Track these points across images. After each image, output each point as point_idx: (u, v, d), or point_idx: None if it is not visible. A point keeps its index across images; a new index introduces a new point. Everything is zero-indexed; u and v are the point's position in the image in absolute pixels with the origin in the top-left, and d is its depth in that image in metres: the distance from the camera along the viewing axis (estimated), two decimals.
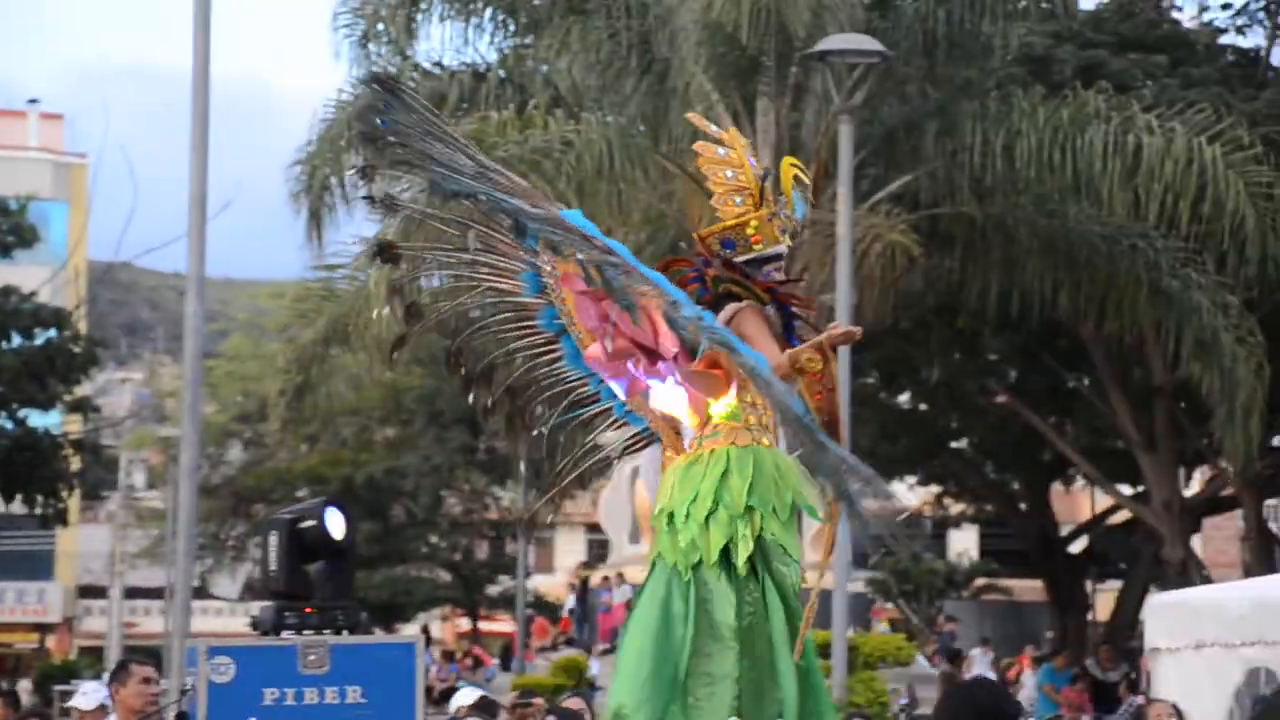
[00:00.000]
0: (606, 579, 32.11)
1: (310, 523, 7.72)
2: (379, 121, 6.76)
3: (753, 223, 7.07)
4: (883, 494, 6.13)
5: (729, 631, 6.62)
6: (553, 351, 7.36)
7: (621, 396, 7.26)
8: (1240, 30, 25.72)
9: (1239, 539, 35.53)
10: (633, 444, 7.47)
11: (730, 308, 6.95)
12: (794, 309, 7.12)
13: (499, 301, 7.35)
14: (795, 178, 7.17)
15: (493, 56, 22.06)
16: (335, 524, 7.73)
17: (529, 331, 7.34)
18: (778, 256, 7.07)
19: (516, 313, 7.34)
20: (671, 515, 6.83)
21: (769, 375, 6.27)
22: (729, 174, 7.15)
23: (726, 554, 6.76)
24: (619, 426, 7.34)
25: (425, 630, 35.00)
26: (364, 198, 7.39)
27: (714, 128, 7.24)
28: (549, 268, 7.14)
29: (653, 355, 6.84)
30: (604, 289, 6.40)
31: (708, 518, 6.78)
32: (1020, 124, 19.32)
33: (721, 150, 7.21)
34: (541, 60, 21.44)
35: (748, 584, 6.75)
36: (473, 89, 21.38)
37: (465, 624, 46.04)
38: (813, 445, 6.06)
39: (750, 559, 6.72)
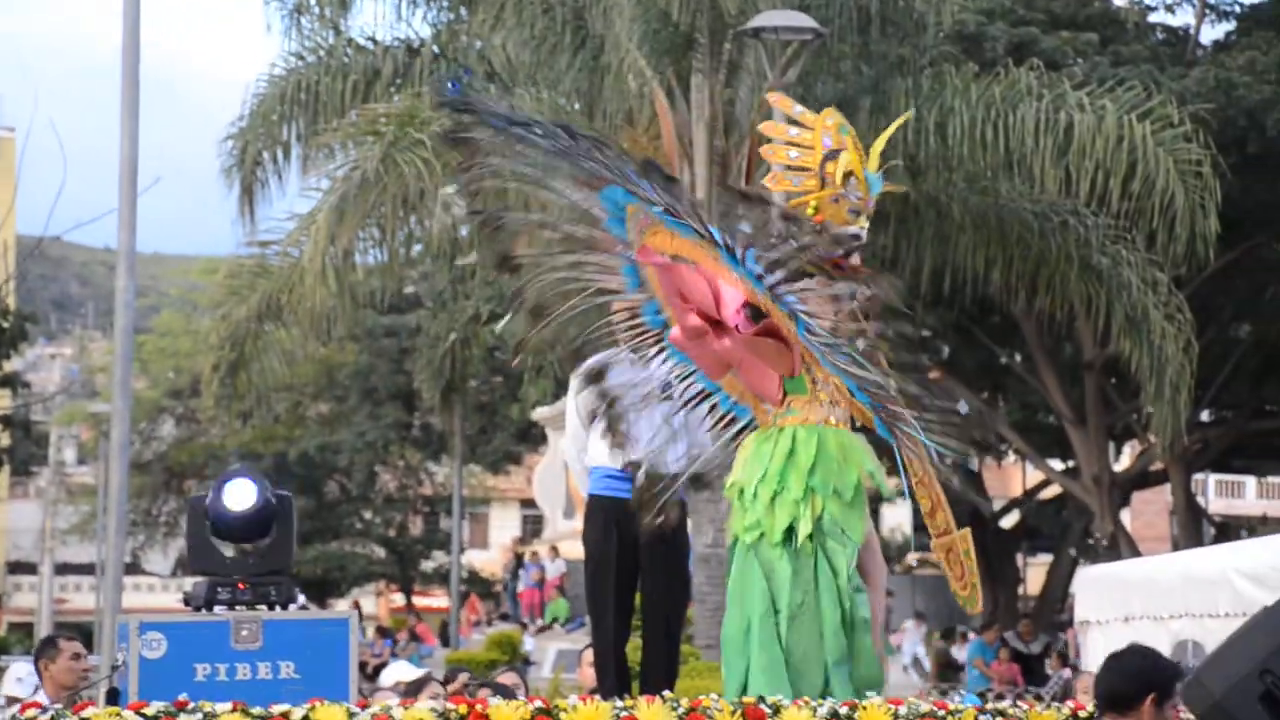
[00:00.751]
0: (535, 554, 32.16)
1: (213, 497, 7.69)
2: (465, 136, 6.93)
3: (812, 203, 7.12)
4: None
5: (782, 608, 6.90)
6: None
7: (710, 381, 7.30)
8: (1169, 8, 25.94)
9: (1167, 513, 35.90)
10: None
11: (798, 285, 6.99)
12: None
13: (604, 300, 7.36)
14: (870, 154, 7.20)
15: (426, 32, 22.01)
16: (239, 498, 7.68)
17: (638, 331, 7.35)
18: (851, 236, 7.10)
19: (628, 312, 7.34)
20: (741, 491, 7.05)
21: (816, 329, 6.46)
22: (793, 154, 7.21)
23: (789, 532, 6.92)
24: (727, 423, 7.35)
25: (356, 606, 34.92)
26: (472, 213, 7.46)
27: (798, 107, 7.30)
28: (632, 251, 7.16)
29: (720, 328, 6.98)
30: (729, 263, 6.52)
31: (774, 498, 6.98)
32: (953, 101, 19.39)
33: (794, 130, 7.25)
34: (475, 36, 21.38)
35: (806, 562, 6.94)
36: (406, 64, 21.31)
37: (399, 600, 46.00)
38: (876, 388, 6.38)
39: (810, 538, 6.91)
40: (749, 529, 7.02)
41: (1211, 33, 26.19)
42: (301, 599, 8.74)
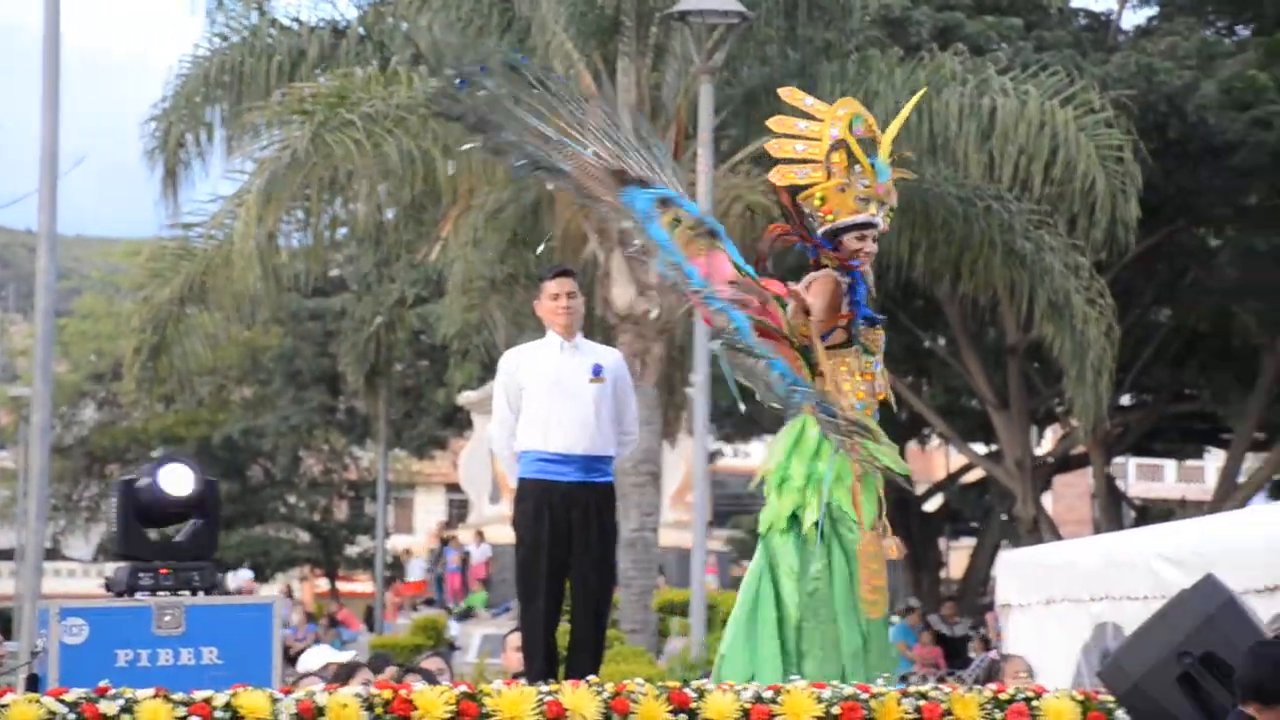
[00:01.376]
0: (457, 539, 32.14)
1: (147, 480, 7.64)
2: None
3: (818, 194, 7.14)
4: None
5: (787, 598, 7.00)
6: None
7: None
8: None
9: (1089, 496, 36.18)
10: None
11: (810, 275, 7.25)
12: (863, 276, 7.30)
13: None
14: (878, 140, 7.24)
15: (352, 13, 21.90)
16: (176, 482, 7.65)
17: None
18: (864, 225, 7.16)
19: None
20: (762, 481, 7.22)
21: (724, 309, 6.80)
22: (799, 147, 7.27)
23: (794, 520, 6.99)
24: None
25: (289, 591, 34.76)
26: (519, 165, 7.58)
27: (809, 99, 7.34)
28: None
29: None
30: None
31: (780, 485, 7.10)
32: (878, 85, 19.45)
33: (802, 124, 7.29)
34: (401, 17, 21.28)
35: (816, 551, 7.00)
36: (332, 45, 21.19)
37: (324, 584, 45.82)
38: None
39: (819, 525, 6.96)
40: (762, 521, 7.15)
41: (1133, 18, 26.41)
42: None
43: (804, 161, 7.22)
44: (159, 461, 7.84)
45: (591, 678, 6.29)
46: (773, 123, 7.36)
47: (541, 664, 8.02)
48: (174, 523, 7.73)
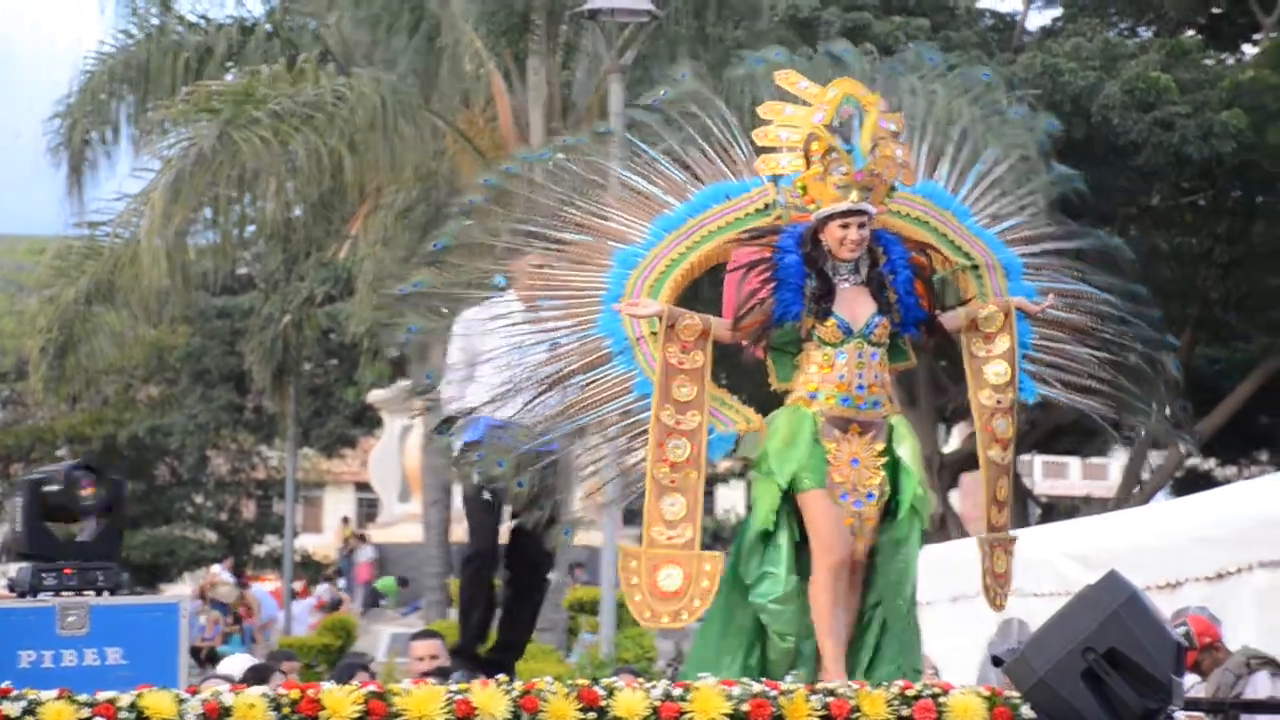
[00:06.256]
0: (362, 538, 32.12)
1: (56, 486, 7.58)
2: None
3: (799, 183, 7.08)
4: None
5: (760, 598, 7.02)
6: None
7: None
8: None
9: None
10: None
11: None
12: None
13: None
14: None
15: (260, 10, 21.79)
16: (84, 487, 7.60)
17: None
18: (849, 212, 7.02)
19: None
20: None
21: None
22: (783, 134, 7.17)
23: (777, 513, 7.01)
24: None
25: (203, 594, 34.49)
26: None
27: (804, 82, 7.21)
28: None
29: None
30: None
31: (753, 479, 7.13)
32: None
33: (789, 109, 7.19)
34: (310, 15, 21.19)
35: (780, 541, 7.01)
36: (240, 43, 21.07)
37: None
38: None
39: (783, 515, 6.98)
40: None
41: (1038, 19, 26.68)
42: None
43: (789, 149, 7.11)
44: (65, 461, 7.78)
45: (501, 676, 6.28)
46: (762, 109, 7.26)
47: (479, 617, 8.28)
48: (79, 522, 7.67)
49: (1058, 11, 26.14)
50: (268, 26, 21.39)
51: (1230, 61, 24.85)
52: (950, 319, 7.37)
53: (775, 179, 7.26)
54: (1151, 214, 24.66)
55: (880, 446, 7.14)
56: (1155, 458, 28.30)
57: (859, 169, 7.02)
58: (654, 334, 7.04)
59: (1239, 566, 10.01)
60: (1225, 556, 10.13)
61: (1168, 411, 7.53)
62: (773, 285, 7.04)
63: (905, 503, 7.14)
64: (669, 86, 7.56)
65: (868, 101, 7.20)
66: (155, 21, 21.05)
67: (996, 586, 7.34)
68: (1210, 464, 31.29)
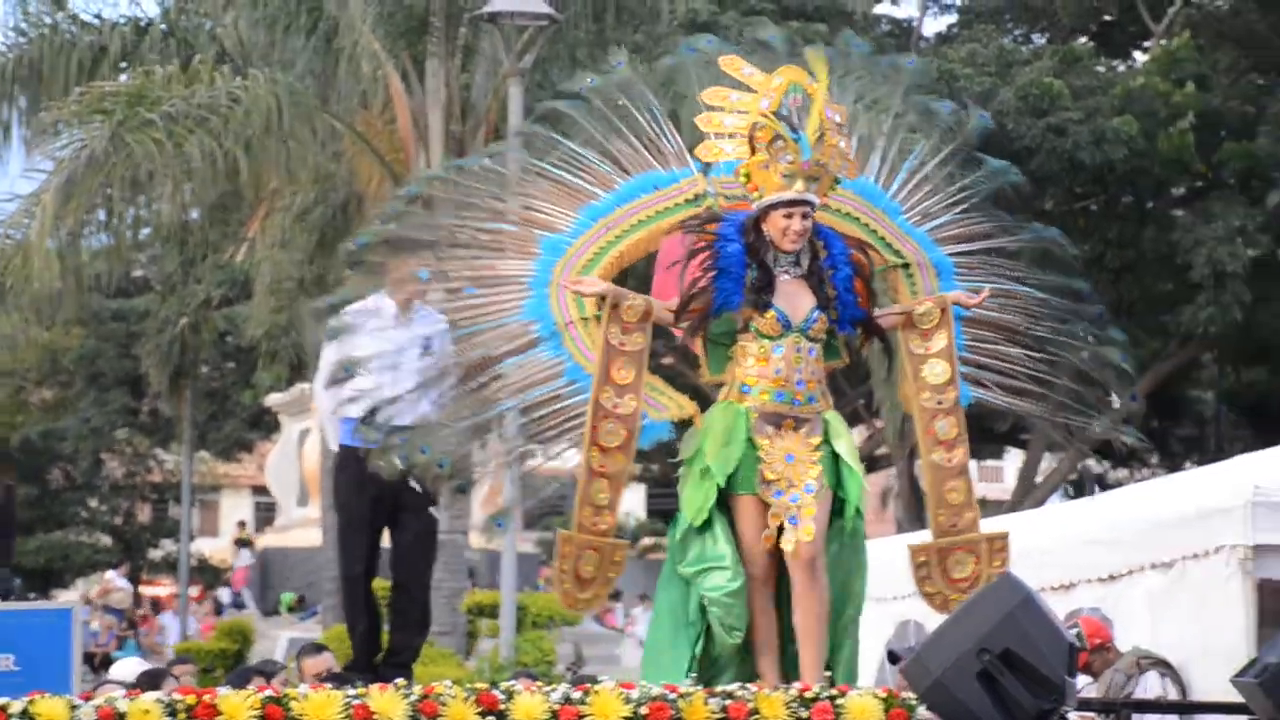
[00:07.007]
0: (246, 543, 31.99)
1: None
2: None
3: (743, 171, 6.98)
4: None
5: (696, 597, 7.05)
6: None
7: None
8: (894, 1, 26.58)
9: (892, 496, 36.74)
10: None
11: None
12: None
13: None
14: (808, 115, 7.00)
15: (154, 10, 21.58)
16: None
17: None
18: (794, 202, 6.91)
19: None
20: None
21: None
22: (728, 120, 7.04)
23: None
24: None
25: (99, 600, 34.16)
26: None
27: (748, 69, 7.09)
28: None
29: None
30: None
31: (683, 474, 7.16)
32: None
33: (735, 95, 7.07)
34: (206, 15, 21.02)
35: (718, 533, 7.00)
36: (134, 43, 20.84)
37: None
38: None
39: (715, 512, 6.98)
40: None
41: (934, 25, 26.94)
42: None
43: (733, 135, 7.00)
44: None
45: (400, 680, 6.27)
46: (706, 95, 7.13)
47: (365, 628, 8.24)
48: None
49: (953, 18, 26.40)
50: (163, 26, 21.19)
51: (1122, 68, 25.17)
52: (887, 318, 7.31)
53: (706, 169, 7.21)
54: (1045, 219, 24.85)
55: (816, 440, 7.05)
56: (1049, 460, 28.59)
57: (805, 158, 6.93)
58: (586, 319, 7.02)
59: (1130, 568, 10.10)
60: (1117, 558, 10.23)
61: (1117, 404, 7.48)
62: (713, 274, 6.95)
63: (852, 501, 7.11)
64: (597, 76, 7.47)
65: (813, 90, 7.08)
66: (48, 20, 20.80)
67: (948, 590, 7.29)
68: (1103, 467, 31.64)
